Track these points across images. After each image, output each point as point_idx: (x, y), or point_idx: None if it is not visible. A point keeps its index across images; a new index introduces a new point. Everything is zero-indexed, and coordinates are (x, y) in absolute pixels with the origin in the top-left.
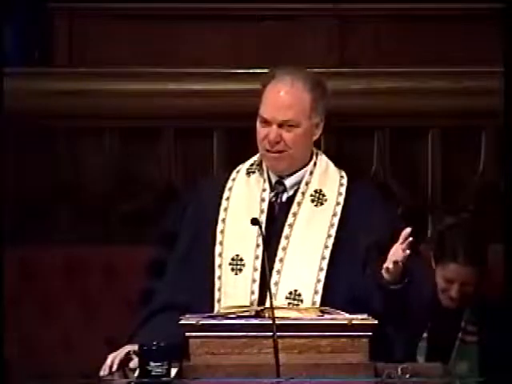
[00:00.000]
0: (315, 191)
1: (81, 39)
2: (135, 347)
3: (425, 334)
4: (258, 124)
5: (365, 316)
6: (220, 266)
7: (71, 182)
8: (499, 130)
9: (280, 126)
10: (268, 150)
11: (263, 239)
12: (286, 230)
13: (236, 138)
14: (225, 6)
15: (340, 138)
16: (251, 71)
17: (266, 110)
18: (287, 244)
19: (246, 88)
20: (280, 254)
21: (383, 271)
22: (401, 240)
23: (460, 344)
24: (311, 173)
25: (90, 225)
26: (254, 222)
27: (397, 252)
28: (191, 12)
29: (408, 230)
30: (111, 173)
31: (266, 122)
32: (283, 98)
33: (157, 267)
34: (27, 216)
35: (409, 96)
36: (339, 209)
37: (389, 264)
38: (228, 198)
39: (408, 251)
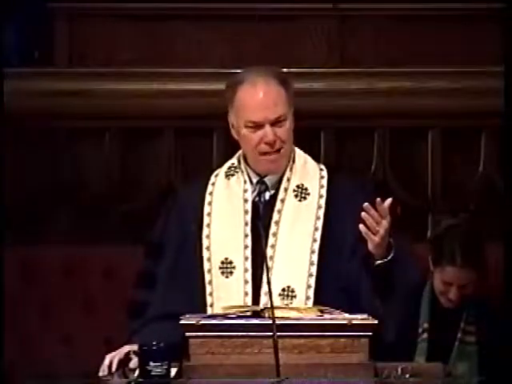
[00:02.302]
0: (297, 186)
1: (81, 39)
2: (134, 347)
3: (425, 335)
4: (246, 131)
5: (365, 316)
6: (209, 270)
7: (71, 182)
8: (499, 130)
9: (272, 124)
10: (265, 153)
11: (262, 240)
12: (273, 228)
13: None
14: (225, 6)
15: (340, 138)
16: None
17: (253, 115)
18: (275, 241)
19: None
20: (269, 251)
21: (369, 245)
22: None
23: (459, 344)
24: (291, 168)
25: (90, 225)
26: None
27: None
28: (191, 12)
29: (389, 200)
30: (111, 173)
31: (257, 126)
32: (265, 99)
33: (145, 279)
34: (27, 216)
35: (409, 96)
36: (323, 201)
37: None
38: (210, 203)
39: (389, 200)
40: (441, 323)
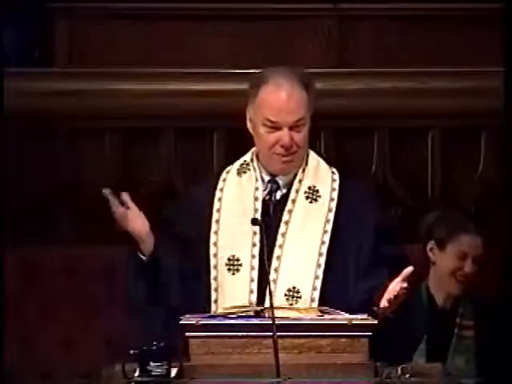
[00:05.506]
0: (309, 188)
1: (81, 39)
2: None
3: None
4: (263, 129)
5: (365, 316)
6: (215, 266)
7: (71, 182)
8: (499, 130)
9: (290, 128)
10: (280, 154)
11: (263, 239)
12: (282, 228)
13: (236, 138)
14: (225, 6)
15: (340, 138)
16: (251, 71)
17: (273, 114)
18: (284, 241)
19: (245, 88)
20: (277, 251)
21: (381, 305)
22: (400, 277)
23: (456, 339)
24: (303, 170)
25: (90, 225)
26: (255, 222)
27: (394, 288)
28: (191, 12)
29: (410, 268)
30: (111, 173)
31: (274, 127)
32: (288, 102)
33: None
34: (27, 216)
35: (409, 96)
36: (334, 204)
37: (384, 301)
38: (220, 199)
39: (405, 285)
40: (438, 323)
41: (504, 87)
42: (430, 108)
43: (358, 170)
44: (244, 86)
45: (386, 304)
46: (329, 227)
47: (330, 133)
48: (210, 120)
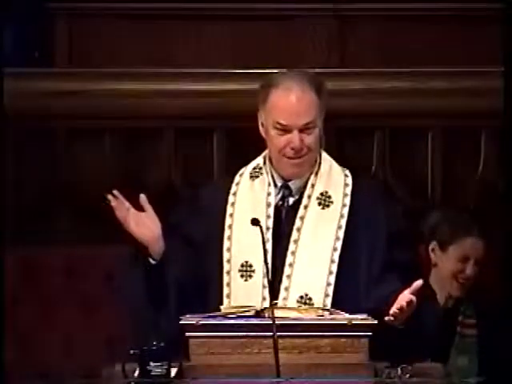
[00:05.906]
0: (321, 194)
1: (81, 39)
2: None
3: None
4: (274, 132)
5: (365, 316)
6: (228, 272)
7: (71, 182)
8: (499, 130)
9: (300, 130)
10: (290, 157)
11: (263, 239)
12: (295, 234)
13: (236, 138)
14: (225, 6)
15: (340, 138)
16: (251, 71)
17: (283, 117)
18: (296, 248)
19: (245, 88)
20: (289, 258)
21: (391, 314)
22: (409, 290)
23: (459, 337)
24: (316, 173)
25: (90, 225)
26: (254, 222)
27: (401, 300)
28: (191, 12)
29: (419, 282)
30: (111, 173)
31: (285, 130)
32: (297, 105)
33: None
34: (27, 216)
35: (409, 96)
36: (346, 210)
37: (394, 308)
38: (233, 204)
39: (414, 298)
40: (441, 323)
41: (504, 87)
42: (429, 108)
43: (358, 169)
44: (244, 85)
45: (392, 318)
46: (341, 234)
47: (330, 133)
48: (210, 120)
